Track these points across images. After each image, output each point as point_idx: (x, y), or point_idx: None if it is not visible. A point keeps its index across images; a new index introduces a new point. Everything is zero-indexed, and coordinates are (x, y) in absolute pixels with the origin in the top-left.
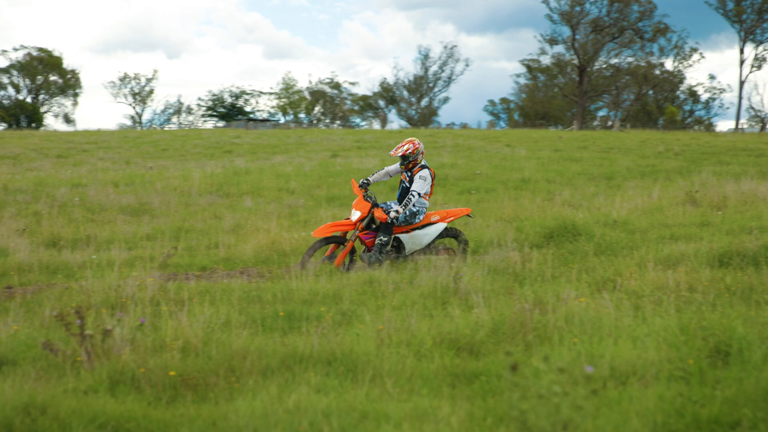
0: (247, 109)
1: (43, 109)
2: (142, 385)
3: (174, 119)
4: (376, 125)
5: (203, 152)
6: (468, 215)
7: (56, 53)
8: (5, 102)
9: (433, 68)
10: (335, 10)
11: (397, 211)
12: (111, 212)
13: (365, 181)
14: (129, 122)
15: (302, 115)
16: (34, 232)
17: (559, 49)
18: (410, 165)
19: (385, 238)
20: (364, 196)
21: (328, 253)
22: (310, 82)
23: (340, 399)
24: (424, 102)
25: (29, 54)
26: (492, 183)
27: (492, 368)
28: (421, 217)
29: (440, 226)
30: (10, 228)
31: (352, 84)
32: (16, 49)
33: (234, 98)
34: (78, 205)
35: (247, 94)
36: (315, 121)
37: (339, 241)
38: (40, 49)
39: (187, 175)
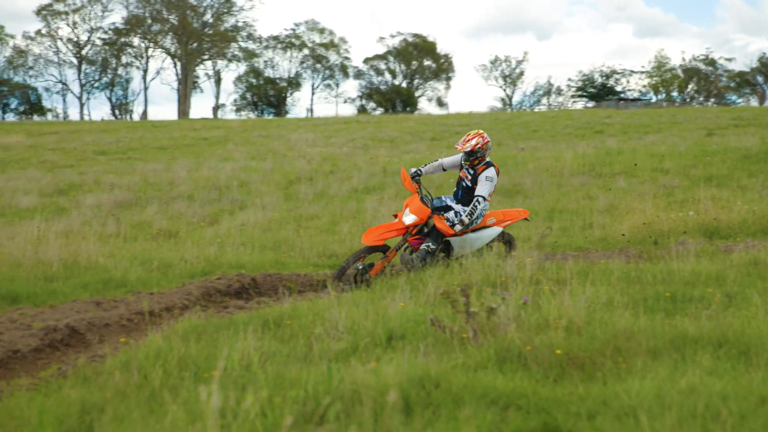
0: (618, 88)
1: (417, 93)
2: (528, 362)
3: (543, 100)
4: (754, 102)
5: (573, 133)
6: (526, 218)
7: (430, 39)
8: (382, 87)
9: None
10: None
11: (462, 222)
12: None
13: (417, 172)
14: (499, 104)
15: (674, 94)
16: None
17: None
18: (475, 162)
19: (434, 247)
20: (420, 196)
21: (360, 260)
22: (684, 59)
23: (735, 383)
24: None
25: (405, 40)
26: None
27: None
28: (479, 221)
29: (495, 231)
30: None
31: (728, 60)
32: (392, 36)
33: (604, 78)
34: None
35: (618, 73)
36: (688, 100)
37: (383, 250)
38: (415, 35)
39: (559, 155)
